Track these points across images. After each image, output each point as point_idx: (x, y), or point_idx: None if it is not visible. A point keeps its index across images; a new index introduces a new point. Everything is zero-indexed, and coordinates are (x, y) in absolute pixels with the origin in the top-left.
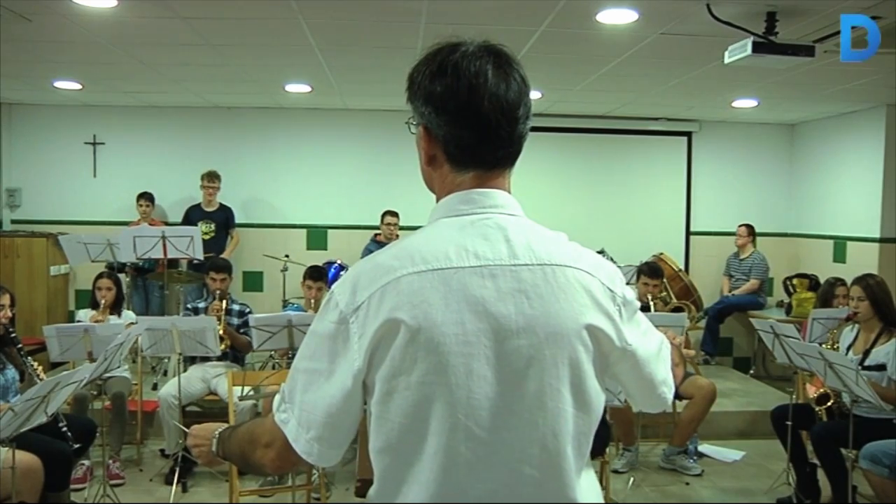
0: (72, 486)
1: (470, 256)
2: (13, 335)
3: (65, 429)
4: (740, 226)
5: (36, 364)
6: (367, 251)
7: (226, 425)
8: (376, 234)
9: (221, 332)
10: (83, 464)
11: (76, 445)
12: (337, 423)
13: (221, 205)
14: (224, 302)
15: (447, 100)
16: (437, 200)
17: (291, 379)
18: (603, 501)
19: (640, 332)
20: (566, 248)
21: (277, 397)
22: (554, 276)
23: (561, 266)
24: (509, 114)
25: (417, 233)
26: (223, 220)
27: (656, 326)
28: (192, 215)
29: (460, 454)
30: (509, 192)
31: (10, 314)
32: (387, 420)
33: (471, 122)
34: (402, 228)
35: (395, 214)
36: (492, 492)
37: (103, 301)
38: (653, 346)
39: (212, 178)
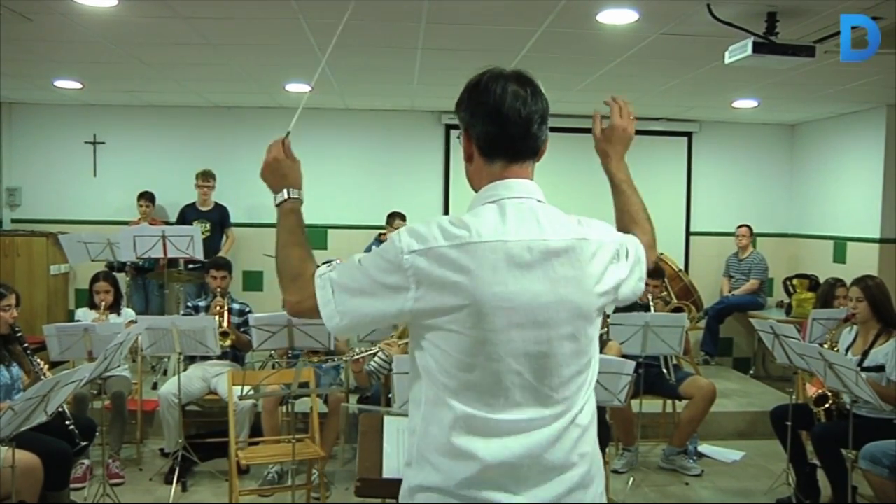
0: (71, 486)
1: (511, 233)
2: (19, 334)
3: (71, 426)
4: (741, 226)
5: (42, 362)
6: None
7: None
8: (381, 234)
9: (226, 327)
10: (83, 463)
11: (83, 443)
12: (366, 315)
13: (217, 203)
14: (225, 300)
15: (479, 104)
16: (476, 190)
17: (346, 265)
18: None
19: (629, 261)
20: (577, 225)
21: (325, 266)
22: (573, 247)
23: (578, 239)
24: (524, 116)
25: (470, 213)
26: (218, 219)
27: (657, 327)
28: (188, 214)
29: (501, 383)
30: (533, 180)
31: (15, 314)
32: (446, 354)
33: (494, 121)
34: None
35: (403, 217)
36: (518, 419)
37: (103, 304)
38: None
39: (206, 177)
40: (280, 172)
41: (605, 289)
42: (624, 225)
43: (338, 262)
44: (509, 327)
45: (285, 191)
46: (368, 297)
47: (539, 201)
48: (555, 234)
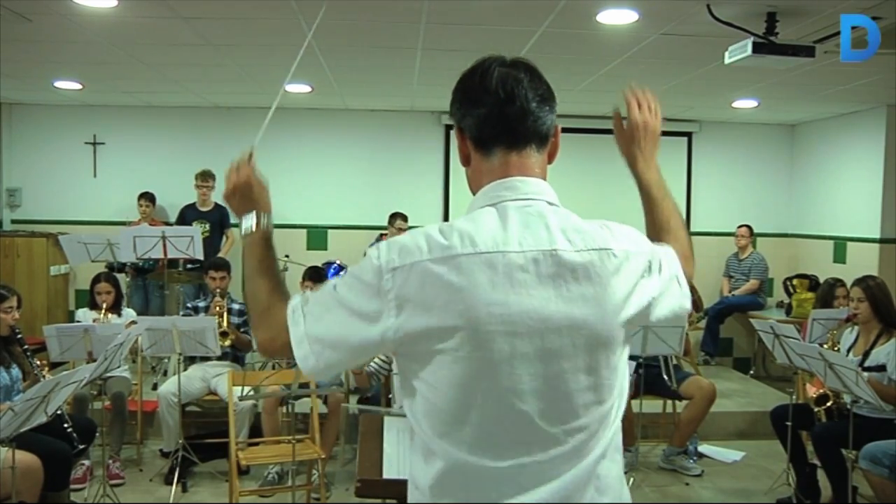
0: (71, 486)
1: (513, 242)
2: (19, 335)
3: (70, 429)
4: (741, 226)
5: (40, 363)
6: None
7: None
8: (382, 235)
9: (226, 326)
10: (83, 463)
11: (81, 446)
12: (345, 352)
13: (216, 204)
14: (224, 300)
15: (466, 91)
16: (475, 193)
17: (321, 294)
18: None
19: (663, 276)
20: (599, 232)
21: (298, 298)
22: (592, 260)
23: (596, 250)
24: (518, 93)
25: (464, 217)
26: (218, 220)
27: (657, 327)
28: (187, 215)
29: (502, 424)
30: (545, 179)
31: (17, 315)
32: (435, 389)
33: (484, 102)
34: (408, 229)
35: (405, 218)
36: (523, 463)
37: (104, 305)
38: (669, 279)
39: (206, 177)
40: (250, 197)
41: (633, 311)
42: (654, 234)
43: (310, 292)
44: (511, 358)
45: (255, 215)
46: (346, 331)
47: (550, 204)
48: (569, 244)
